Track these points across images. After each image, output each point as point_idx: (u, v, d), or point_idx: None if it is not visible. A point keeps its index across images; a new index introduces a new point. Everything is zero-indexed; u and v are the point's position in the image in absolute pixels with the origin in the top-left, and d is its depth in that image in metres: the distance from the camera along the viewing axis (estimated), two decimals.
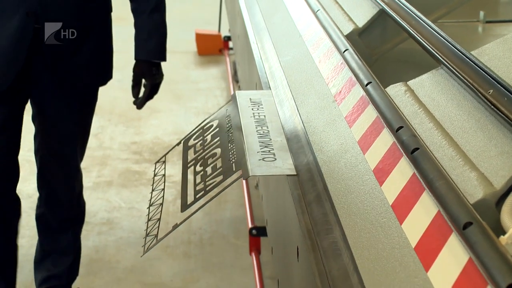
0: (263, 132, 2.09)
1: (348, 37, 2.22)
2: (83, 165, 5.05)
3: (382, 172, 1.50)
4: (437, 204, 1.24)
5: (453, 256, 1.14)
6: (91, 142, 5.50)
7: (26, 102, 3.23)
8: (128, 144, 5.53)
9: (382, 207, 1.40)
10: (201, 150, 2.19)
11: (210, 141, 2.19)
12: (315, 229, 1.57)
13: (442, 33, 1.76)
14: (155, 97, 6.37)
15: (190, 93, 6.61)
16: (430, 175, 1.30)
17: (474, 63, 1.50)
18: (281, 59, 2.51)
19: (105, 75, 3.29)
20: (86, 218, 4.36)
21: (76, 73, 3.12)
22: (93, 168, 5.10)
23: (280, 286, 2.41)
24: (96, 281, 3.83)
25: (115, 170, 5.11)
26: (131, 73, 6.08)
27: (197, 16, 8.61)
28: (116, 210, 4.57)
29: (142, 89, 3.25)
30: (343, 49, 2.08)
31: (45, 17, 2.90)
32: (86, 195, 4.60)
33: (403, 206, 1.35)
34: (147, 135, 5.72)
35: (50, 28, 2.91)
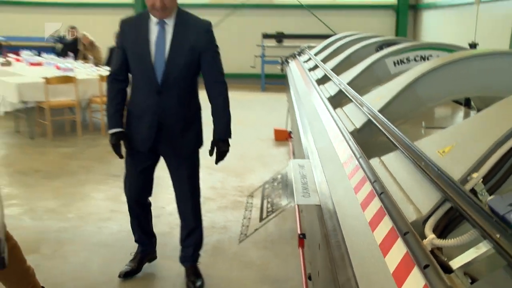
0: (304, 181, 2.07)
1: (351, 133, 2.20)
2: (212, 196, 5.13)
3: (365, 205, 1.47)
4: (391, 221, 1.24)
5: (399, 249, 1.13)
6: (217, 184, 5.58)
7: (158, 160, 3.29)
8: (236, 187, 5.56)
9: (364, 222, 1.38)
10: (272, 190, 2.21)
11: (277, 186, 2.20)
12: (328, 234, 1.57)
13: (399, 132, 1.75)
14: (252, 162, 6.45)
15: (271, 162, 6.62)
16: (388, 206, 1.30)
17: (415, 149, 1.50)
18: (316, 145, 2.51)
19: (199, 144, 3.23)
20: (212, 225, 4.40)
21: (183, 144, 3.11)
22: (217, 199, 5.11)
23: (312, 265, 2.39)
24: (218, 259, 3.84)
25: (229, 200, 5.12)
26: (244, 154, 6.02)
27: (274, 120, 8.65)
28: (229, 221, 4.58)
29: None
30: (348, 140, 2.08)
31: (164, 116, 2.98)
32: (212, 213, 4.65)
33: (374, 222, 1.33)
34: (247, 182, 5.73)
35: (170, 123, 3.02)
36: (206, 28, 2.99)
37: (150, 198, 3.53)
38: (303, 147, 2.71)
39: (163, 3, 2.77)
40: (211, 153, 3.12)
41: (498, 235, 0.91)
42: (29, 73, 8.17)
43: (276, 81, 12.95)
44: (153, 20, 2.91)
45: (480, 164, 1.24)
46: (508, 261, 0.86)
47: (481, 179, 1.20)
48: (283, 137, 7.56)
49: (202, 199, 3.35)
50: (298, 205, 1.90)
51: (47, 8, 14.22)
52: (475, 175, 1.22)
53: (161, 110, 2.98)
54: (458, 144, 1.39)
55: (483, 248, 0.96)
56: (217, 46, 3.07)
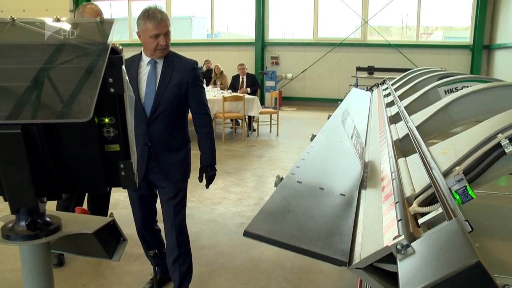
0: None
1: (395, 141, 2.36)
2: None
3: (384, 187, 1.66)
4: (394, 196, 1.42)
5: (391, 213, 1.32)
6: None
7: (156, 194, 3.01)
8: None
9: (379, 198, 1.59)
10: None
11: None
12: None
13: (421, 141, 1.88)
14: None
15: None
16: (395, 186, 1.49)
17: (426, 151, 1.66)
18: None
19: (186, 175, 2.92)
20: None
21: (169, 170, 2.82)
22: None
23: None
24: None
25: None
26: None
27: None
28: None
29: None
30: (389, 145, 2.23)
31: (154, 146, 2.77)
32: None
33: (386, 198, 1.53)
34: None
35: (157, 151, 2.78)
36: (192, 66, 2.82)
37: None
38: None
39: (166, 43, 2.69)
40: (200, 179, 2.95)
41: (446, 200, 1.11)
42: None
43: None
44: (145, 60, 2.77)
45: (463, 160, 1.42)
46: (448, 216, 1.06)
47: (462, 171, 1.38)
48: None
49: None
50: None
51: (189, 47, 15.33)
52: (457, 168, 1.40)
53: (149, 139, 2.78)
54: (454, 147, 1.56)
55: (439, 210, 1.16)
56: (202, 81, 2.91)
